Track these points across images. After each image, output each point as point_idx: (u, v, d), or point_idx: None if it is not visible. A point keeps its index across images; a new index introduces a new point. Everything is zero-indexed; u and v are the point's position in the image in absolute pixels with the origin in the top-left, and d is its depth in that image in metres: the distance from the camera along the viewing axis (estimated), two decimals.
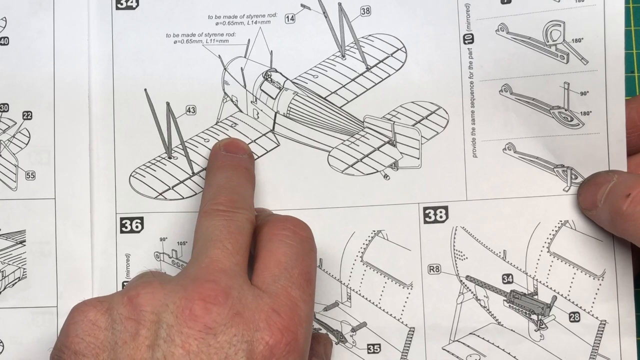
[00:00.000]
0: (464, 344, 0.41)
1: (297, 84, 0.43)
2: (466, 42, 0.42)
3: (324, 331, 0.41)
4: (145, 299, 0.32)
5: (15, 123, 0.42)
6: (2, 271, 0.41)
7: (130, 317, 0.32)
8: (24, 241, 0.41)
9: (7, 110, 0.42)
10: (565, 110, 0.41)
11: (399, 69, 0.42)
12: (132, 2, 0.42)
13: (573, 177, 0.41)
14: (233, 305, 0.32)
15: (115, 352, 0.31)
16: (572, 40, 0.40)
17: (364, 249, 0.42)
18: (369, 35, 0.43)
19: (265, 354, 0.32)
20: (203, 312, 0.31)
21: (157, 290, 0.32)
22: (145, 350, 0.31)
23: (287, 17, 0.43)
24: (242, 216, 0.37)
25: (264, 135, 0.43)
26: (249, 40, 0.43)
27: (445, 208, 0.42)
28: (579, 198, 0.40)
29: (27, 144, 0.42)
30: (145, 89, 0.42)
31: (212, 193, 0.38)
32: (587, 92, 0.40)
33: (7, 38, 0.42)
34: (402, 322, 0.41)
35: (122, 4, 0.42)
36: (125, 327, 0.32)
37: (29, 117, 0.42)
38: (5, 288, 0.41)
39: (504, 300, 0.41)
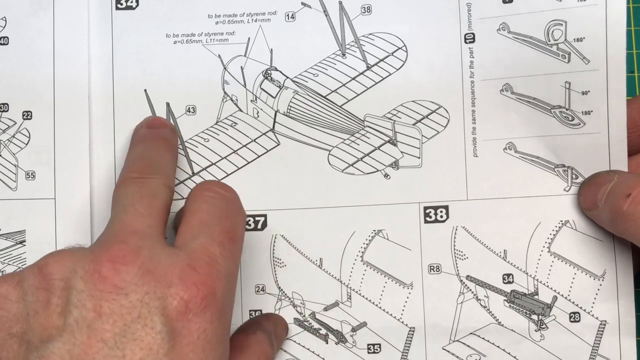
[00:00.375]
0: (464, 344, 0.41)
1: (297, 82, 0.43)
2: (467, 41, 0.42)
3: (323, 331, 0.41)
4: (54, 267, 0.31)
5: (15, 123, 0.42)
6: (2, 271, 0.41)
7: (40, 287, 0.31)
8: (24, 241, 0.41)
9: (7, 110, 0.42)
10: (566, 109, 0.40)
11: (399, 68, 0.42)
12: (132, 2, 0.42)
13: (574, 177, 0.41)
14: (143, 264, 0.32)
15: (28, 323, 0.31)
16: (574, 39, 0.40)
17: (364, 248, 0.42)
18: (370, 34, 0.43)
19: (180, 309, 0.31)
20: (112, 272, 0.31)
21: (66, 258, 0.32)
22: (57, 318, 0.31)
23: (288, 15, 0.43)
24: (157, 181, 0.37)
25: (264, 134, 0.42)
26: (248, 39, 0.43)
27: (446, 208, 0.42)
28: (580, 198, 0.40)
29: (27, 144, 0.41)
30: (145, 89, 0.42)
31: (128, 164, 0.39)
32: (588, 91, 0.40)
33: (7, 38, 0.42)
34: (402, 322, 0.41)
35: (122, 4, 0.42)
36: (36, 297, 0.31)
37: (28, 117, 0.41)
38: None
39: (504, 300, 0.41)
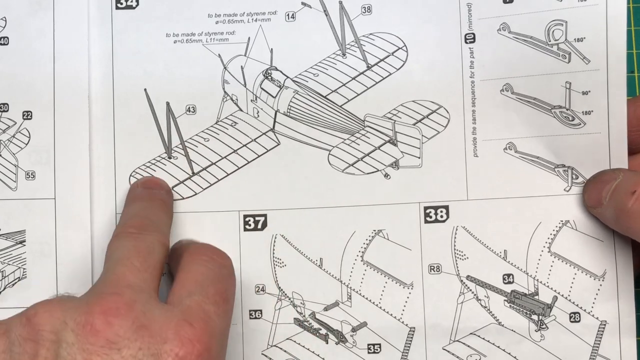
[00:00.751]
0: (464, 344, 0.41)
1: (297, 82, 0.42)
2: (467, 41, 0.42)
3: (323, 331, 0.41)
4: (44, 318, 0.31)
5: (15, 123, 0.42)
6: (2, 271, 0.41)
7: (28, 338, 0.30)
8: (24, 241, 0.41)
9: (7, 110, 0.42)
10: (567, 109, 0.40)
11: (400, 68, 0.42)
12: (132, 1, 0.42)
13: (574, 177, 0.41)
14: (137, 318, 0.31)
15: None
16: (574, 39, 0.40)
17: (365, 248, 0.42)
18: (370, 33, 0.43)
19: None
20: (104, 326, 0.30)
21: (56, 308, 0.31)
22: None
23: (288, 15, 0.43)
24: (153, 237, 0.36)
25: (264, 134, 0.42)
26: (249, 38, 0.42)
27: (446, 207, 0.42)
28: (584, 196, 0.40)
29: (27, 144, 0.41)
30: (145, 89, 0.42)
31: (124, 219, 0.39)
32: (589, 91, 0.40)
33: (7, 38, 0.42)
34: (402, 322, 0.41)
35: (122, 4, 0.42)
36: (24, 349, 0.30)
37: (29, 117, 0.41)
38: (5, 288, 0.41)
39: (504, 300, 0.41)
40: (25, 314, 0.31)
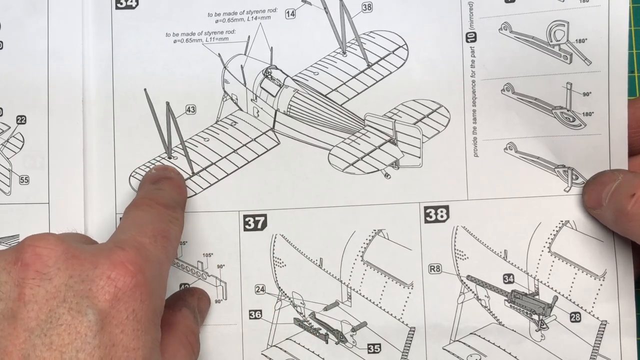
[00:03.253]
0: (464, 343, 0.41)
1: (297, 81, 0.42)
2: (469, 40, 0.41)
3: (323, 331, 0.41)
4: None
5: (9, 127, 0.41)
6: None
7: None
8: None
9: (1, 115, 0.41)
10: (568, 110, 0.40)
11: (400, 67, 0.42)
12: (131, 1, 0.42)
13: (574, 177, 0.41)
14: (67, 250, 0.31)
15: None
16: (576, 40, 0.40)
17: (365, 248, 0.42)
18: (371, 31, 0.42)
19: (107, 289, 0.30)
20: (33, 258, 0.30)
21: None
22: None
23: (288, 12, 0.42)
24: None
25: (264, 133, 0.42)
26: (248, 37, 0.42)
27: (446, 207, 0.42)
28: (584, 197, 0.40)
29: (21, 149, 0.41)
30: (145, 89, 0.42)
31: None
32: (590, 93, 0.40)
33: (1, 42, 0.41)
34: (402, 322, 0.41)
35: (121, 3, 0.42)
36: None
37: (22, 122, 0.41)
38: None
39: (505, 300, 0.41)
40: None
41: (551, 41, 0.40)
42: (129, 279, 0.31)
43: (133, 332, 0.30)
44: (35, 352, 0.29)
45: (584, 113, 0.40)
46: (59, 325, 0.29)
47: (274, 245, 0.42)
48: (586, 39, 0.40)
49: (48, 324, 0.29)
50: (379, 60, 0.42)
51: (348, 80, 0.42)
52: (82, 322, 0.29)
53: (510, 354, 0.41)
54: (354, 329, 0.41)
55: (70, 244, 0.31)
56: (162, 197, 0.38)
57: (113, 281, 0.30)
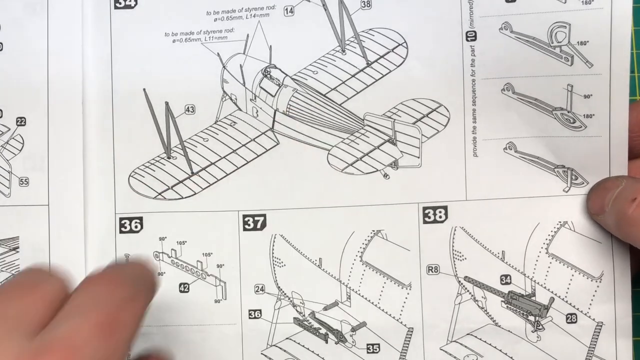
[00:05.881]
0: (461, 344, 0.41)
1: (296, 80, 0.42)
2: (469, 39, 0.41)
3: (323, 331, 0.42)
4: None
5: (9, 129, 0.41)
6: None
7: None
8: (17, 248, 0.41)
9: (1, 116, 0.41)
10: (568, 112, 0.40)
11: (399, 65, 0.42)
12: (130, 1, 0.41)
13: (573, 177, 0.41)
14: None
15: None
16: (577, 42, 0.40)
17: (364, 248, 0.42)
18: (370, 29, 0.42)
19: None
20: None
21: None
22: None
23: (286, 9, 0.42)
24: None
25: (264, 133, 0.42)
26: (247, 35, 0.42)
27: (445, 208, 0.42)
28: (588, 203, 0.40)
29: (20, 150, 0.41)
30: (144, 89, 0.42)
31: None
32: (591, 95, 0.40)
33: (1, 44, 0.41)
34: (401, 322, 0.42)
35: (120, 3, 0.41)
36: None
37: (22, 123, 0.41)
38: None
39: (501, 301, 0.41)
40: None
41: (552, 42, 0.40)
42: None
43: None
44: None
45: (584, 115, 0.40)
46: None
47: (273, 245, 0.42)
48: (588, 42, 0.39)
49: None
50: (378, 59, 0.42)
51: (347, 79, 0.42)
52: None
53: (506, 354, 0.41)
54: (353, 329, 0.42)
55: None
56: (118, 274, 0.32)
57: None
